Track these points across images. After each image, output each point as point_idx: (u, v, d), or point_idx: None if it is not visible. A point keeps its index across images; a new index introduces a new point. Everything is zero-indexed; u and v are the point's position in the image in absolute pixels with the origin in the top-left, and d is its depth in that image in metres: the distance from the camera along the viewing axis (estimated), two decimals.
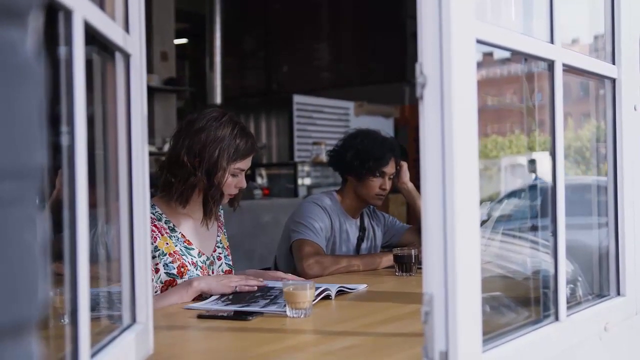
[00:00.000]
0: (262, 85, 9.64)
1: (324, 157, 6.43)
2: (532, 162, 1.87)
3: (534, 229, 1.64)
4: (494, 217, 1.86)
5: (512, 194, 2.30)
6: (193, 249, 2.07)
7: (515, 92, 1.71)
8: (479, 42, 1.08)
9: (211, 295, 1.86)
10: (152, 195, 2.20)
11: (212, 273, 2.11)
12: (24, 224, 0.55)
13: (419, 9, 1.02)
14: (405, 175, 2.76)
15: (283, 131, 7.96)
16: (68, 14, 0.85)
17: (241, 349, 1.42)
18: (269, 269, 2.59)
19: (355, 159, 2.63)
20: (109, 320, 1.23)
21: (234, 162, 2.03)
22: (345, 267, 2.45)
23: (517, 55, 1.38)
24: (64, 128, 0.85)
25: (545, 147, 1.40)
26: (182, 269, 2.00)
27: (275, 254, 2.76)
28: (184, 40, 9.53)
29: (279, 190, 6.83)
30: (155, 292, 1.94)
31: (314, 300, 1.71)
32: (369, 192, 2.65)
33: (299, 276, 2.40)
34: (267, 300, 1.79)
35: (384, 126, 7.06)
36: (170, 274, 1.99)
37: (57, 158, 0.86)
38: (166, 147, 6.22)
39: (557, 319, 1.33)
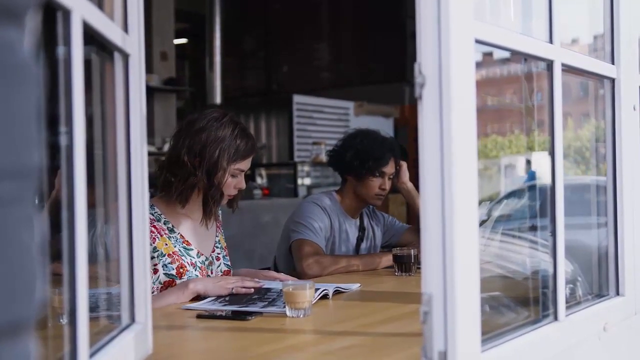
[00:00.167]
0: (262, 85, 9.64)
1: (323, 157, 6.43)
2: (527, 162, 1.87)
3: (533, 228, 1.64)
4: (494, 217, 1.86)
5: (512, 194, 2.30)
6: (192, 249, 2.07)
7: (515, 92, 1.71)
8: (478, 42, 1.08)
9: (208, 297, 1.86)
10: (152, 196, 2.21)
11: (211, 273, 2.11)
12: (23, 224, 0.55)
13: (417, 8, 1.02)
14: (405, 175, 2.76)
15: (283, 131, 7.96)
16: (66, 13, 0.85)
17: (240, 348, 1.42)
18: (268, 269, 2.59)
19: (355, 159, 2.63)
20: (108, 320, 1.23)
21: (234, 163, 2.03)
22: (344, 267, 2.46)
23: (517, 55, 1.38)
24: (62, 128, 0.85)
25: (545, 147, 1.40)
26: (181, 270, 2.00)
27: (274, 254, 2.76)
28: (183, 40, 9.53)
29: (278, 190, 6.84)
30: (153, 293, 1.94)
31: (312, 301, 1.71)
32: (368, 192, 2.65)
33: (299, 276, 2.40)
34: (265, 302, 1.79)
35: (384, 126, 7.06)
36: (169, 274, 1.99)
37: (57, 158, 0.86)
38: (166, 147, 6.23)
39: (556, 318, 1.33)
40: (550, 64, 1.34)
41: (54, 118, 0.85)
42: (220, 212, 2.27)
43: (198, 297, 1.87)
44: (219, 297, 1.86)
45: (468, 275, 1.03)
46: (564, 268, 1.35)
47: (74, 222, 0.86)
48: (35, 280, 0.56)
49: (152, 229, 1.99)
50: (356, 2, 8.89)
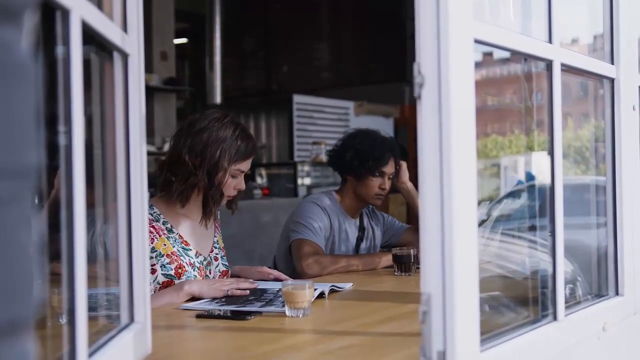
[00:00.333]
0: (262, 85, 9.64)
1: (323, 157, 6.43)
2: (527, 163, 1.87)
3: (532, 228, 1.64)
4: (493, 216, 1.86)
5: (512, 194, 2.30)
6: (190, 249, 2.07)
7: (515, 91, 1.71)
8: (477, 41, 1.08)
9: (203, 298, 1.86)
10: (151, 195, 2.21)
11: (210, 274, 2.11)
12: (20, 224, 0.55)
13: (416, 8, 1.02)
14: (405, 175, 2.76)
15: (283, 131, 7.95)
16: (65, 13, 0.85)
17: (240, 348, 1.42)
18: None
19: (355, 158, 2.63)
20: (107, 319, 1.23)
21: (234, 163, 2.04)
22: (344, 267, 2.46)
23: (517, 55, 1.38)
24: (61, 128, 0.85)
25: (544, 147, 1.40)
26: (180, 270, 2.00)
27: (274, 254, 2.76)
28: (183, 40, 9.53)
29: (278, 190, 6.84)
30: (151, 293, 1.94)
31: None
32: (368, 192, 2.65)
33: (299, 276, 2.40)
34: (263, 303, 1.79)
35: (384, 126, 7.06)
36: (167, 275, 1.99)
37: (57, 158, 0.86)
38: (166, 147, 6.23)
39: (555, 318, 1.33)
40: (549, 64, 1.34)
41: (53, 118, 0.85)
42: (218, 212, 2.27)
43: (194, 298, 1.87)
44: (214, 298, 1.86)
45: (467, 275, 1.03)
46: (564, 268, 1.35)
47: (73, 222, 0.86)
48: (33, 279, 0.56)
49: (151, 229, 1.99)
50: (356, 2, 8.88)
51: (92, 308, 0.96)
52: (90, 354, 0.94)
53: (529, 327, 1.28)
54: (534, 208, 1.63)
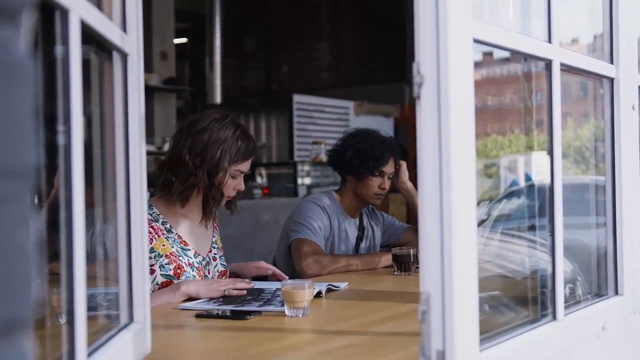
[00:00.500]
0: (262, 85, 9.64)
1: (323, 157, 6.43)
2: (526, 163, 1.87)
3: (532, 228, 1.64)
4: (493, 216, 1.86)
5: (511, 194, 2.31)
6: (189, 249, 2.07)
7: (515, 91, 1.71)
8: (477, 41, 1.08)
9: (200, 299, 1.86)
10: (151, 195, 2.21)
11: (208, 274, 2.11)
12: (18, 223, 0.55)
13: (416, 8, 1.02)
14: (405, 174, 2.76)
15: (283, 131, 7.95)
16: (64, 13, 0.85)
17: (239, 348, 1.42)
18: None
19: (355, 158, 2.63)
20: (106, 319, 1.23)
21: (235, 164, 2.04)
22: (344, 267, 2.46)
23: (517, 55, 1.38)
24: (60, 127, 0.85)
25: (544, 147, 1.40)
26: (179, 270, 2.00)
27: (274, 254, 2.76)
28: (183, 40, 9.53)
29: (278, 189, 6.84)
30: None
31: None
32: (368, 192, 2.65)
33: (298, 276, 2.40)
34: (261, 302, 1.79)
35: (384, 126, 7.06)
36: (166, 275, 1.99)
37: (56, 157, 0.86)
38: (166, 147, 6.23)
39: (554, 318, 1.33)
40: (549, 64, 1.34)
41: (52, 117, 0.85)
42: (217, 212, 2.27)
43: (191, 298, 1.87)
44: (212, 298, 1.86)
45: (466, 275, 1.03)
46: (563, 268, 1.35)
47: (72, 222, 0.86)
48: (31, 279, 0.56)
49: (150, 229, 1.99)
50: (356, 2, 8.89)
51: (91, 308, 0.96)
52: (90, 354, 0.94)
53: (528, 327, 1.28)
54: (533, 208, 1.63)
